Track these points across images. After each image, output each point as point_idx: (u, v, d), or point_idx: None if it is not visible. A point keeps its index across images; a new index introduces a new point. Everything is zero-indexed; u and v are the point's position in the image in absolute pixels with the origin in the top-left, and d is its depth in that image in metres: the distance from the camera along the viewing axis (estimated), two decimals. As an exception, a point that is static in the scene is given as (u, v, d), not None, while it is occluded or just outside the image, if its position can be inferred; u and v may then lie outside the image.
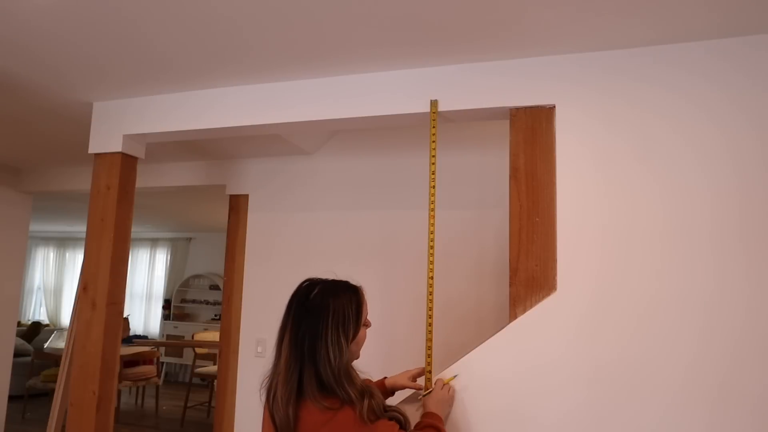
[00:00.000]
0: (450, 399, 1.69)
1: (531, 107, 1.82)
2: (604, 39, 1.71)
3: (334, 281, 1.49)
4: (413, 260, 2.58)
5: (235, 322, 3.05)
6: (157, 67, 2.05)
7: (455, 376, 1.72)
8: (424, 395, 1.68)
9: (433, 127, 1.89)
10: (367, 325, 1.49)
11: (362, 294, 1.50)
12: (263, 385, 1.45)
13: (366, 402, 1.32)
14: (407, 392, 1.76)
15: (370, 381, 1.71)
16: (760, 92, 1.62)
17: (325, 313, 1.40)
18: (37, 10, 1.65)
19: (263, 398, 1.45)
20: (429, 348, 1.77)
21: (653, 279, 1.64)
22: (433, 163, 1.86)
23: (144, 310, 8.57)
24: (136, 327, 8.43)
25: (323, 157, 3.01)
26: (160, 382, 6.25)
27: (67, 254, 9.30)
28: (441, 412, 1.62)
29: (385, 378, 1.75)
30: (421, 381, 1.76)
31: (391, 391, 1.74)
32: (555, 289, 1.71)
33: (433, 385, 1.72)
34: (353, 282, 1.50)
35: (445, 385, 1.70)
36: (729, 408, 1.54)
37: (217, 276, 8.02)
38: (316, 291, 1.44)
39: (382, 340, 2.56)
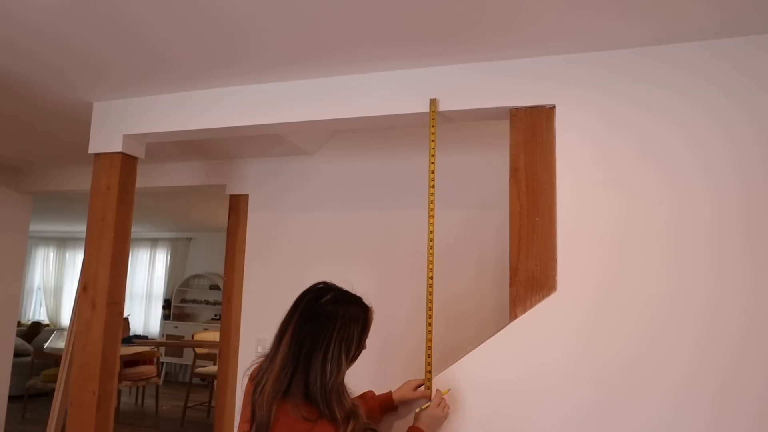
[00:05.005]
0: (443, 418, 1.65)
1: (531, 107, 1.82)
2: (604, 39, 1.71)
3: (348, 293, 1.46)
4: (413, 260, 2.58)
5: (235, 322, 3.05)
6: (158, 67, 2.05)
7: (449, 390, 1.71)
8: (423, 409, 1.64)
9: (433, 126, 1.89)
10: (364, 347, 1.47)
11: (371, 316, 1.47)
12: (248, 372, 1.44)
13: (350, 425, 1.31)
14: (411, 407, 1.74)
15: (373, 394, 1.71)
16: (761, 92, 1.62)
17: (331, 324, 1.36)
18: (37, 10, 1.65)
19: (245, 383, 1.43)
20: (429, 348, 1.77)
21: (653, 279, 1.64)
22: (433, 163, 1.86)
23: (144, 310, 8.57)
24: (136, 327, 8.43)
25: (323, 157, 3.01)
26: (160, 382, 6.25)
27: (67, 254, 9.30)
28: (429, 428, 1.59)
29: (391, 392, 1.73)
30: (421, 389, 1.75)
31: (394, 406, 1.72)
32: (555, 289, 1.71)
33: (432, 392, 1.71)
34: (366, 301, 1.47)
35: (442, 401, 1.66)
36: (729, 408, 1.53)
37: (217, 276, 8.02)
38: (328, 297, 1.40)
39: (382, 341, 2.56)
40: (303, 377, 1.33)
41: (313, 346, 1.34)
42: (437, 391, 1.70)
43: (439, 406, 1.64)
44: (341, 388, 1.36)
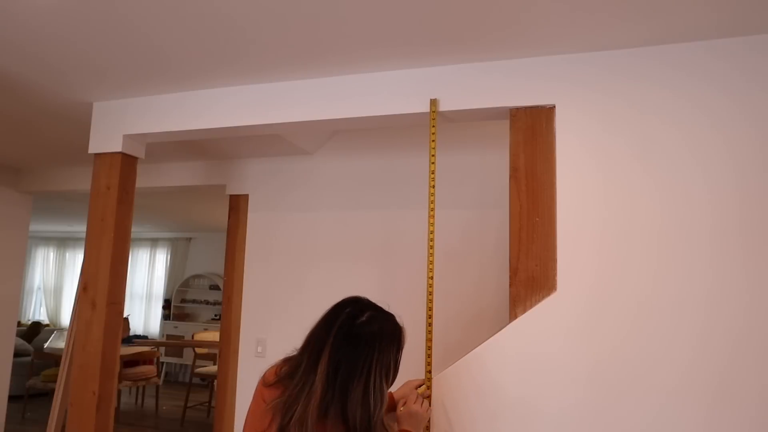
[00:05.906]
0: (425, 414, 1.59)
1: (531, 107, 1.82)
2: (604, 39, 1.71)
3: (383, 311, 1.37)
4: (413, 260, 2.58)
5: (235, 322, 3.05)
6: (157, 67, 2.05)
7: (426, 388, 1.69)
8: (402, 410, 1.61)
9: (433, 126, 1.89)
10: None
11: (405, 336, 1.40)
12: (260, 376, 1.39)
13: None
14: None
15: None
16: (760, 92, 1.62)
17: (370, 349, 1.27)
18: (37, 11, 1.65)
19: (259, 385, 1.38)
20: (429, 348, 1.77)
21: (652, 279, 1.64)
22: (433, 163, 1.86)
23: (144, 310, 8.57)
24: (136, 327, 8.43)
25: (323, 157, 3.01)
26: (160, 382, 6.25)
27: (67, 254, 9.30)
28: (416, 428, 1.55)
29: (392, 392, 1.72)
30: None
31: (395, 406, 1.70)
32: (555, 289, 1.71)
33: (431, 393, 1.70)
34: (398, 319, 1.39)
35: (418, 398, 1.61)
36: (726, 406, 1.54)
37: (217, 276, 8.02)
38: (364, 318, 1.32)
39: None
40: (340, 405, 1.25)
41: (352, 372, 1.26)
42: (413, 390, 1.68)
43: (416, 403, 1.58)
44: (383, 419, 1.29)
